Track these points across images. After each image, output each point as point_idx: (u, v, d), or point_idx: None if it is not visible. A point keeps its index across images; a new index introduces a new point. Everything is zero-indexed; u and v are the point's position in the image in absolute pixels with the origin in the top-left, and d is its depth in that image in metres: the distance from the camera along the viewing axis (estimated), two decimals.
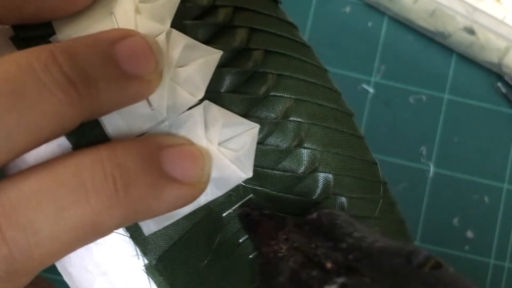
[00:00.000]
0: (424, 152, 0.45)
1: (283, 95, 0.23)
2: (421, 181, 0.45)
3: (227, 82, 0.22)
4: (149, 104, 0.21)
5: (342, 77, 0.46)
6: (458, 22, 0.43)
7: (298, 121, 0.23)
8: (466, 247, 0.41)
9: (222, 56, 0.22)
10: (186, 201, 0.21)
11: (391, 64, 0.46)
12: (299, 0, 0.47)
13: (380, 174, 0.24)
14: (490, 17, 0.41)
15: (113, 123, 0.21)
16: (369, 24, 0.47)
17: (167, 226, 0.22)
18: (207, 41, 0.22)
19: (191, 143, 0.21)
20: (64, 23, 0.21)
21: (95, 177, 0.18)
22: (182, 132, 0.21)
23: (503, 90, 0.45)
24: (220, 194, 0.22)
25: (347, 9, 0.47)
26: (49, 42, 0.21)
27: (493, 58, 0.44)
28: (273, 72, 0.23)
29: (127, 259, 0.22)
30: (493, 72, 0.46)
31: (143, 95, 0.20)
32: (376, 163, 0.24)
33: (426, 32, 0.46)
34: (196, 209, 0.22)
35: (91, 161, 0.19)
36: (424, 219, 0.44)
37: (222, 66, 0.22)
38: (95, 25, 0.21)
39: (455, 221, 0.44)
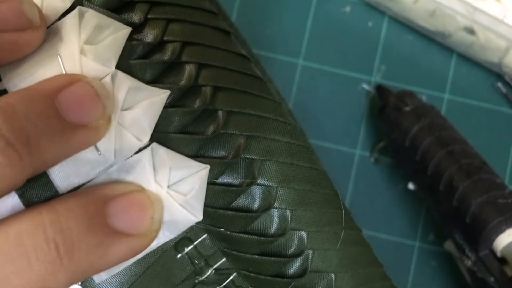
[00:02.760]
0: None
1: (234, 132, 0.22)
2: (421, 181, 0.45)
3: (175, 122, 0.22)
4: (97, 149, 0.21)
5: (342, 77, 0.46)
6: (458, 22, 0.43)
7: (250, 158, 0.22)
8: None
9: (169, 95, 0.21)
10: (137, 252, 0.21)
11: (391, 64, 0.46)
12: (299, 0, 0.47)
13: (342, 204, 0.24)
14: (490, 17, 0.41)
15: (59, 173, 0.20)
16: (369, 24, 0.46)
17: (118, 273, 0.22)
18: (155, 80, 0.22)
19: (140, 189, 0.21)
20: (9, 69, 0.21)
21: (37, 245, 0.18)
22: (131, 177, 0.21)
23: (503, 90, 0.45)
24: (172, 237, 0.22)
25: (347, 9, 0.47)
26: None
27: (493, 58, 0.44)
28: (223, 109, 0.22)
29: None
30: (493, 72, 0.46)
31: (91, 143, 0.20)
32: (337, 194, 0.24)
33: (426, 32, 0.45)
34: (149, 253, 0.22)
35: (32, 227, 0.18)
36: (424, 219, 0.44)
37: (170, 106, 0.21)
38: (41, 70, 0.21)
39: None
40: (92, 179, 0.21)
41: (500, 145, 0.45)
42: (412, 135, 0.40)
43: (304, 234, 0.23)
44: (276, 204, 0.23)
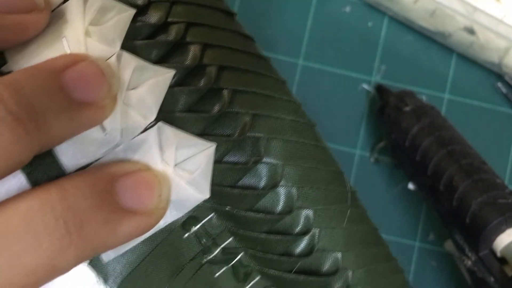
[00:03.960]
0: None
1: (239, 110, 0.22)
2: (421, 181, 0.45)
3: (181, 101, 0.22)
4: (103, 128, 0.21)
5: (342, 77, 0.46)
6: (458, 22, 0.43)
7: (256, 136, 0.22)
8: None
9: (175, 75, 0.21)
10: (145, 230, 0.21)
11: (391, 64, 0.46)
12: (299, 0, 0.47)
13: (347, 183, 0.24)
14: (490, 17, 0.41)
15: (66, 152, 0.20)
16: (369, 24, 0.46)
17: (126, 252, 0.22)
18: (160, 61, 0.22)
19: (147, 168, 0.21)
20: (15, 52, 0.21)
21: (45, 222, 0.18)
22: (137, 156, 0.21)
23: (503, 90, 0.45)
24: (180, 216, 0.22)
25: (347, 9, 0.47)
26: (1, 72, 0.21)
27: (493, 58, 0.44)
28: (228, 88, 0.22)
29: (90, 287, 0.22)
30: (493, 72, 0.46)
31: (97, 121, 0.20)
32: (342, 172, 0.24)
33: (426, 32, 0.45)
34: (156, 232, 0.22)
35: (41, 205, 0.19)
36: (424, 219, 0.44)
37: (175, 85, 0.22)
38: (46, 51, 0.21)
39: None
40: (99, 159, 0.21)
41: (500, 145, 0.45)
42: (412, 135, 0.40)
43: (310, 212, 0.23)
44: (282, 182, 0.23)
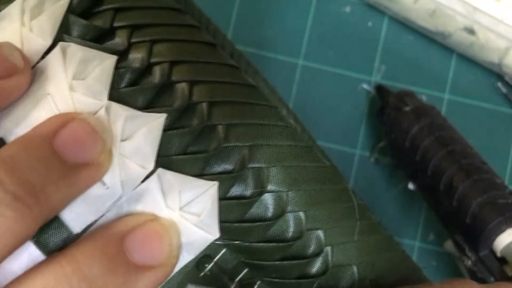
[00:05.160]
0: None
1: (236, 144, 0.22)
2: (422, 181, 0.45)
3: (176, 145, 0.21)
4: (103, 183, 0.20)
5: (342, 77, 0.46)
6: (458, 22, 0.43)
7: (256, 167, 0.22)
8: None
9: (166, 118, 0.21)
10: (162, 280, 0.21)
11: (391, 64, 0.46)
12: (299, 0, 0.47)
13: (353, 196, 0.24)
14: (490, 17, 0.41)
15: (71, 214, 0.20)
16: (369, 24, 0.46)
17: None
18: (148, 106, 0.21)
19: (153, 218, 0.21)
20: (2, 116, 0.21)
21: None
22: (141, 205, 0.21)
23: (503, 90, 0.45)
24: (192, 258, 0.22)
25: (347, 9, 0.47)
26: None
27: (493, 58, 0.44)
28: (222, 123, 0.22)
29: None
30: (493, 72, 0.46)
31: (96, 179, 0.20)
32: (346, 188, 0.24)
33: (426, 32, 0.45)
34: (171, 276, 0.22)
35: (56, 280, 0.19)
36: (424, 219, 0.44)
37: (168, 128, 0.21)
38: (33, 111, 0.20)
39: None
40: (104, 214, 0.21)
41: (500, 145, 0.45)
42: (412, 135, 0.40)
43: (320, 232, 0.23)
44: (289, 208, 0.23)
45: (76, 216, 0.20)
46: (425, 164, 0.39)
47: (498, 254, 0.36)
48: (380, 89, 0.44)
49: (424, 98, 0.44)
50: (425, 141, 0.40)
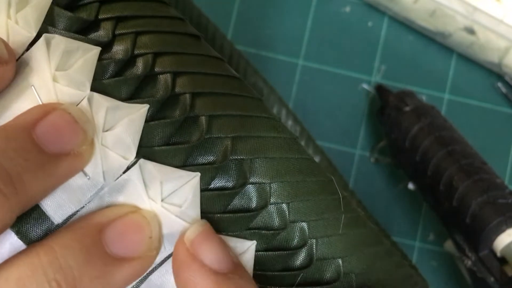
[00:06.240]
0: None
1: (219, 135, 0.22)
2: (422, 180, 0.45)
3: (158, 135, 0.21)
4: (85, 174, 0.20)
5: (342, 77, 0.46)
6: (458, 22, 0.43)
7: (239, 159, 0.22)
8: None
9: (149, 109, 0.21)
10: (141, 273, 0.21)
11: (391, 64, 0.46)
12: (299, 0, 0.47)
13: (338, 189, 0.24)
14: (490, 17, 0.41)
15: (51, 204, 0.20)
16: (369, 24, 0.47)
17: None
18: (131, 97, 0.21)
19: (134, 210, 0.21)
20: None
21: (39, 287, 0.18)
22: (123, 196, 0.21)
23: (503, 90, 0.45)
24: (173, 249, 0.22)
25: (347, 9, 0.47)
26: None
27: (493, 58, 0.44)
28: (204, 114, 0.22)
29: None
30: (493, 72, 0.46)
31: (77, 170, 0.20)
32: (331, 180, 0.24)
33: (426, 32, 0.46)
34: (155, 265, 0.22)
35: (32, 270, 0.18)
36: (424, 219, 0.44)
37: (150, 119, 0.21)
38: (16, 103, 0.20)
39: None
40: (86, 204, 0.21)
41: (500, 145, 0.45)
42: (412, 135, 0.40)
43: (304, 224, 0.23)
44: (272, 200, 0.23)
45: (57, 206, 0.20)
46: (425, 164, 0.39)
47: (498, 254, 0.36)
48: (380, 89, 0.44)
49: (424, 98, 0.44)
50: (425, 141, 0.40)
